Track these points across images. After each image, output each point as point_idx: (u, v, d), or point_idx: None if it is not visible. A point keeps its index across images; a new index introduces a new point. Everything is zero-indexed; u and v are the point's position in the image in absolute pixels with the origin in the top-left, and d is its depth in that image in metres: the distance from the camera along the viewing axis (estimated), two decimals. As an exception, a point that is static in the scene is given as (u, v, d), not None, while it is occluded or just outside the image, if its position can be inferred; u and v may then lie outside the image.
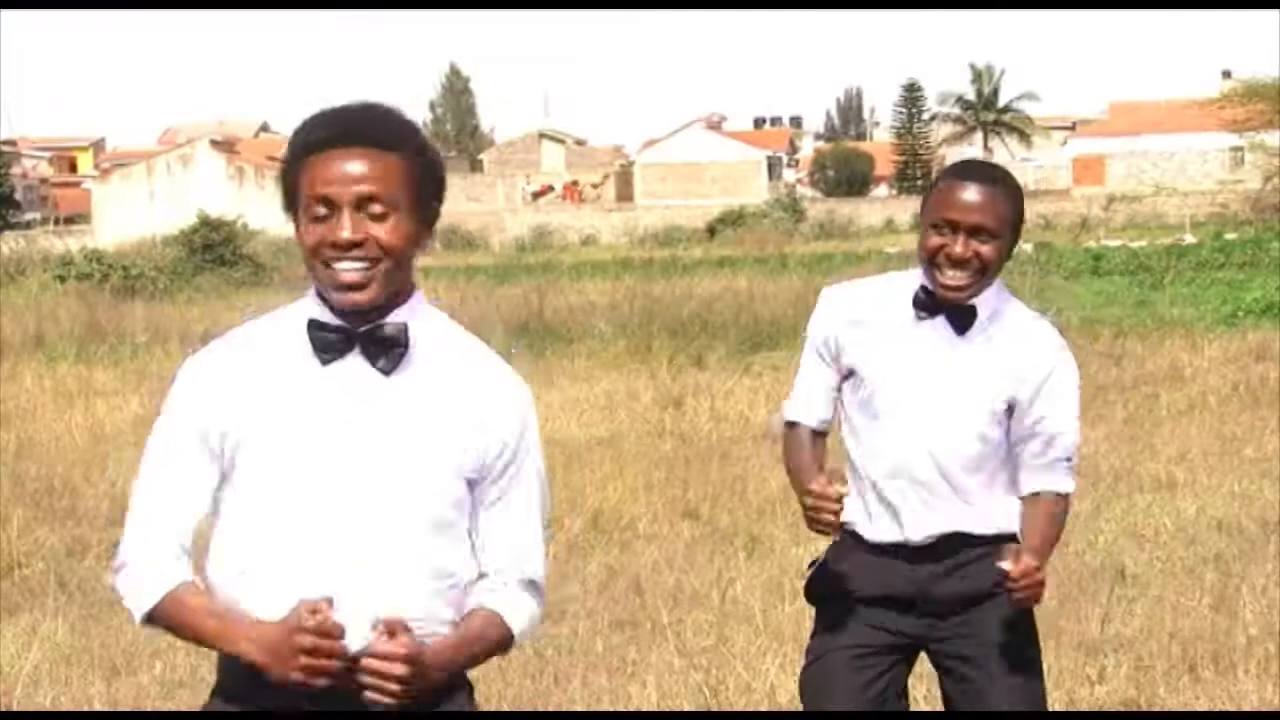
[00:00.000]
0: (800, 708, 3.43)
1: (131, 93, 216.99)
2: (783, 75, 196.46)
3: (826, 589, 3.33)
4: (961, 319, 3.14)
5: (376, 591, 2.25)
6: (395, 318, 2.30)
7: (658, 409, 11.39)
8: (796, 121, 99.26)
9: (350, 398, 2.29)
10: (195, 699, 5.20)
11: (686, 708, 4.98)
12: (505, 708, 4.91)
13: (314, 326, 2.30)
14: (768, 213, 52.30)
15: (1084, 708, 4.84)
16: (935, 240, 3.11)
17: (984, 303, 3.15)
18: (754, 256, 33.75)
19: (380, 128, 2.30)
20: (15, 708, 5.16)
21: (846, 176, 73.06)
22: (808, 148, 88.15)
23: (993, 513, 3.21)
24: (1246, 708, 4.77)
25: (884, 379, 3.20)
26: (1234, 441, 9.39)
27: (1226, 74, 55.01)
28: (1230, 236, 30.67)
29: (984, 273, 3.11)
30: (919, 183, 66.46)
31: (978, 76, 73.64)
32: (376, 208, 2.24)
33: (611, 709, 5.01)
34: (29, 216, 67.11)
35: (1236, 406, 10.75)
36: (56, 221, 65.92)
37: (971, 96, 73.02)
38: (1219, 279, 22.35)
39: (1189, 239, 31.96)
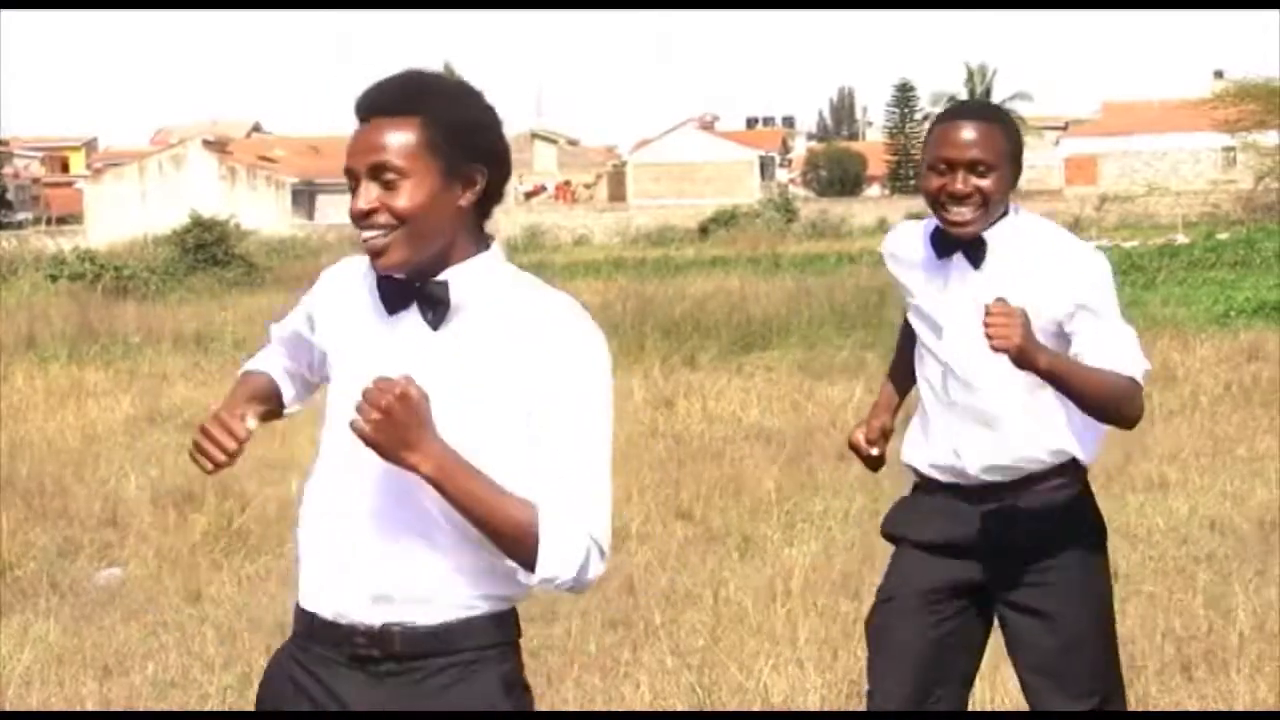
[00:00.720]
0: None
1: (124, 93, 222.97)
2: (775, 75, 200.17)
3: (897, 529, 3.45)
4: (975, 253, 3.24)
5: (403, 533, 2.31)
6: (446, 275, 2.33)
7: (650, 409, 11.38)
8: (789, 121, 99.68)
9: (402, 348, 2.34)
10: (187, 699, 5.22)
11: (679, 708, 5.00)
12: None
13: (381, 278, 2.37)
14: (760, 212, 52.89)
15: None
16: (935, 181, 3.22)
17: (997, 234, 3.23)
18: (746, 256, 33.93)
19: (393, 94, 2.32)
20: (8, 708, 5.18)
21: (839, 176, 73.66)
22: (800, 148, 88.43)
23: (1049, 441, 3.25)
24: (1239, 707, 4.78)
25: (920, 317, 3.37)
26: (1226, 441, 9.41)
27: (1218, 74, 55.23)
28: (1222, 236, 30.63)
29: (986, 205, 3.19)
30: (912, 183, 66.61)
31: (971, 76, 73.66)
32: (388, 175, 2.28)
33: (605, 709, 5.02)
34: (21, 216, 68.13)
35: (1229, 406, 10.75)
36: (48, 221, 65.97)
37: (964, 96, 72.74)
38: (1211, 279, 22.32)
39: (1181, 239, 32.09)
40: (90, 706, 5.20)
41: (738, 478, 8.66)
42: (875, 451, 3.49)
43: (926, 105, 74.64)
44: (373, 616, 2.33)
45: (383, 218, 2.28)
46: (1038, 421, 3.24)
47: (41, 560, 7.27)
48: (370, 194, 2.29)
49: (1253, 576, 6.14)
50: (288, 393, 2.63)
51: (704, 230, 49.94)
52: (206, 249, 31.50)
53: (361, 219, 2.30)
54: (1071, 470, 3.31)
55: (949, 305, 3.29)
